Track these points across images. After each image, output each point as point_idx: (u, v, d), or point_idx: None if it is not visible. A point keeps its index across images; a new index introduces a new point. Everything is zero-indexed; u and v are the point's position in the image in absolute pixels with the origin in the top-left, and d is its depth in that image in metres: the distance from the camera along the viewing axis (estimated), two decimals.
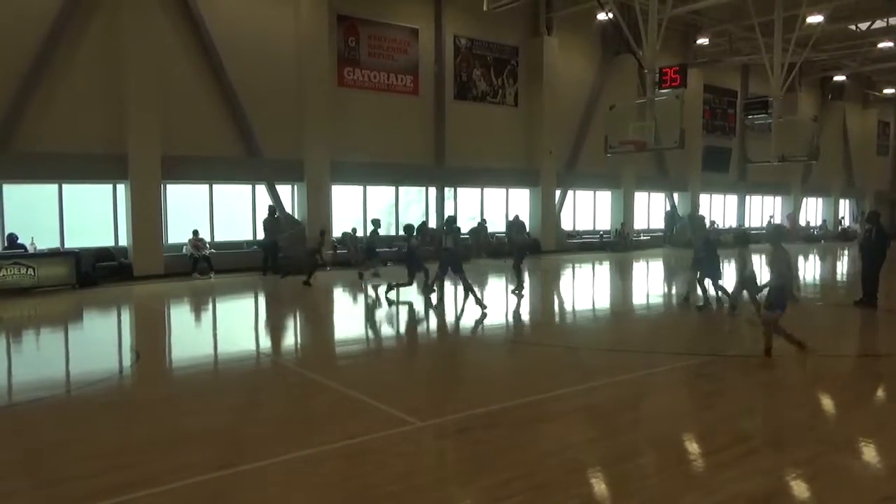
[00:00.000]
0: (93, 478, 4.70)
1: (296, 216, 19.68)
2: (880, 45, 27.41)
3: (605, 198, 27.93)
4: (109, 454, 5.17)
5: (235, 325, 11.69)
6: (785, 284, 8.03)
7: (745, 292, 11.52)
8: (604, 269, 20.64)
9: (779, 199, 36.01)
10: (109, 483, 4.60)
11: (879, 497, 4.50)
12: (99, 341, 10.19)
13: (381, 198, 21.96)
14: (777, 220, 34.94)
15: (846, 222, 38.99)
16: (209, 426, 5.89)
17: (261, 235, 18.73)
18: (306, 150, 19.15)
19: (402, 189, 22.30)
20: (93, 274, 15.55)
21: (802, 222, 36.17)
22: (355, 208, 21.20)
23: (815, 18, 22.25)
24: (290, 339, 10.84)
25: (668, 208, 29.70)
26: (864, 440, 5.59)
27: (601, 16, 22.57)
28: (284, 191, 19.71)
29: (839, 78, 34.59)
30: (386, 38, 20.90)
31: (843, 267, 22.77)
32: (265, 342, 10.35)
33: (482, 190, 24.06)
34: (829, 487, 4.64)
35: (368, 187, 21.41)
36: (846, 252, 27.33)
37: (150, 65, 16.29)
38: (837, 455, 5.22)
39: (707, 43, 27.54)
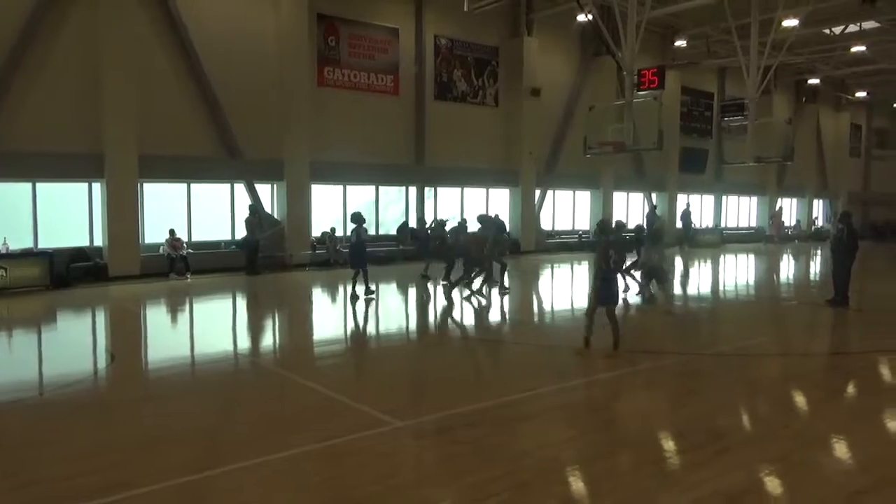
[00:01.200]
0: (68, 480, 4.63)
1: (275, 216, 19.54)
2: (853, 49, 27.88)
3: (584, 198, 28.10)
4: (84, 457, 5.10)
5: (213, 326, 11.58)
6: (606, 279, 8.40)
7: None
8: (582, 269, 20.76)
9: (754, 199, 36.53)
10: (85, 486, 4.54)
11: (851, 491, 4.59)
12: (73, 343, 10.03)
13: (361, 197, 21.89)
14: (788, 220, 35.72)
15: (820, 222, 39.65)
16: (186, 428, 5.83)
17: (240, 235, 18.64)
18: (286, 149, 19.02)
19: (382, 189, 22.24)
20: (67, 274, 15.28)
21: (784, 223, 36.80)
22: (335, 208, 21.11)
23: (790, 22, 22.59)
24: (268, 339, 10.76)
25: (648, 210, 29.95)
26: (835, 436, 5.70)
27: (581, 17, 22.69)
28: (264, 190, 19.56)
29: (813, 81, 35.12)
30: (366, 38, 20.84)
31: (816, 266, 23.16)
32: (243, 343, 10.27)
33: (462, 190, 24.08)
34: (803, 483, 4.73)
35: (348, 187, 21.34)
36: (819, 252, 27.81)
37: (127, 62, 16.04)
38: (810, 451, 5.32)
39: (685, 45, 27.81)
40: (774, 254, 27.36)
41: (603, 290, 8.37)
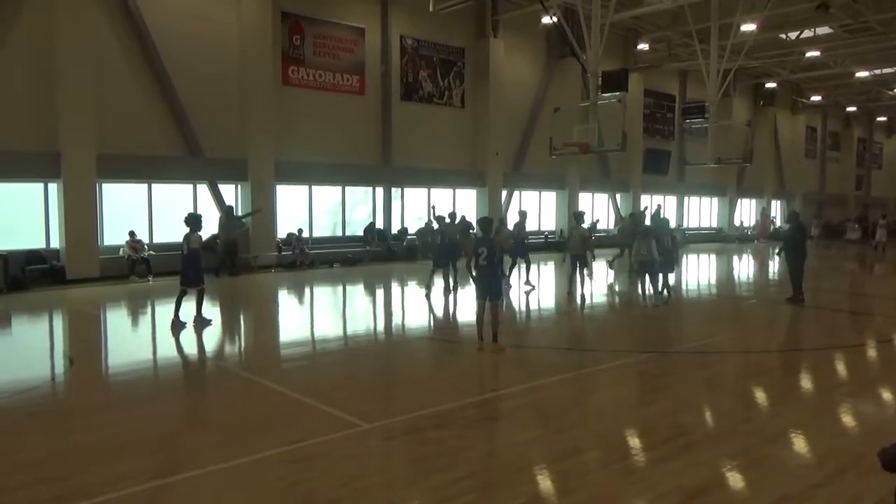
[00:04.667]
0: (22, 490, 4.49)
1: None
2: (808, 55, 28.71)
3: (550, 198, 28.35)
4: (40, 465, 4.95)
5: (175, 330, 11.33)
6: (487, 276, 8.54)
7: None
8: (549, 269, 20.93)
9: (715, 199, 37.31)
10: (40, 495, 4.40)
11: (808, 485, 4.72)
12: (29, 348, 9.70)
13: (327, 198, 21.73)
14: (778, 221, 36.99)
15: (778, 222, 40.68)
16: (147, 434, 5.70)
17: (203, 236, 18.33)
18: (250, 149, 18.76)
19: (348, 189, 22.10)
20: (22, 277, 14.82)
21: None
22: (301, 209, 20.90)
23: (748, 27, 23.14)
24: (233, 342, 10.58)
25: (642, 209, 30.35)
26: (793, 431, 5.85)
27: (546, 19, 22.89)
28: (228, 190, 19.26)
29: (770, 85, 36.07)
30: (331, 37, 20.68)
31: (774, 266, 23.76)
32: (207, 346, 10.08)
33: (429, 190, 24.07)
34: (763, 477, 4.84)
35: (314, 187, 21.15)
36: (777, 251, 28.53)
37: (84, 60, 15.61)
38: (770, 446, 5.45)
39: (647, 48, 28.29)
40: (761, 252, 28.17)
41: (490, 286, 8.54)
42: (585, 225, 15.49)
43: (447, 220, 14.96)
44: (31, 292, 14.40)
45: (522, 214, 16.74)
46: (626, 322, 12.06)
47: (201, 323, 10.47)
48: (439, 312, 12.59)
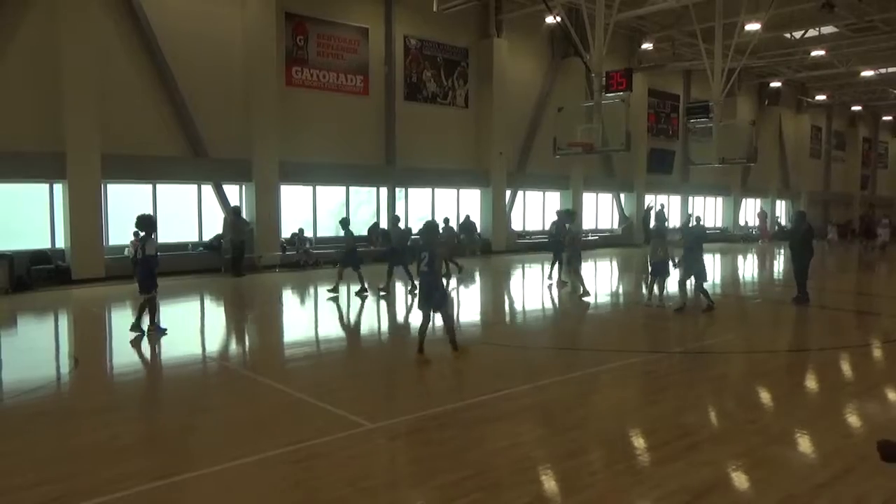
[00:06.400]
0: (27, 490, 4.51)
1: (244, 216, 19.27)
2: (813, 54, 28.62)
3: (554, 198, 28.32)
4: (45, 465, 4.97)
5: (180, 329, 11.35)
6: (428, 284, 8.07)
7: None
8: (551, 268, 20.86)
9: (720, 199, 37.23)
10: (45, 495, 4.42)
11: (813, 485, 4.70)
12: (34, 348, 9.73)
13: (331, 198, 21.75)
14: (782, 220, 37.19)
15: (782, 222, 40.57)
16: (152, 434, 5.72)
17: (207, 237, 18.48)
18: (254, 149, 18.79)
19: (352, 189, 22.13)
20: (27, 278, 14.88)
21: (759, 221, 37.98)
22: (305, 209, 20.93)
23: (752, 26, 23.07)
24: (237, 342, 10.61)
25: (646, 208, 30.38)
26: (798, 431, 5.84)
27: (549, 19, 22.86)
28: (232, 191, 19.30)
29: (775, 84, 35.96)
30: (335, 38, 20.70)
31: (778, 265, 23.69)
32: (212, 346, 10.11)
33: (433, 190, 24.08)
34: (767, 477, 4.82)
35: (318, 188, 21.18)
36: (782, 251, 28.45)
37: (89, 60, 15.66)
38: (774, 446, 5.44)
39: (651, 48, 28.24)
40: (764, 252, 28.12)
41: (428, 294, 8.07)
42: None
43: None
44: (36, 292, 14.45)
45: (571, 215, 16.29)
46: (630, 322, 12.04)
47: (156, 332, 9.79)
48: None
